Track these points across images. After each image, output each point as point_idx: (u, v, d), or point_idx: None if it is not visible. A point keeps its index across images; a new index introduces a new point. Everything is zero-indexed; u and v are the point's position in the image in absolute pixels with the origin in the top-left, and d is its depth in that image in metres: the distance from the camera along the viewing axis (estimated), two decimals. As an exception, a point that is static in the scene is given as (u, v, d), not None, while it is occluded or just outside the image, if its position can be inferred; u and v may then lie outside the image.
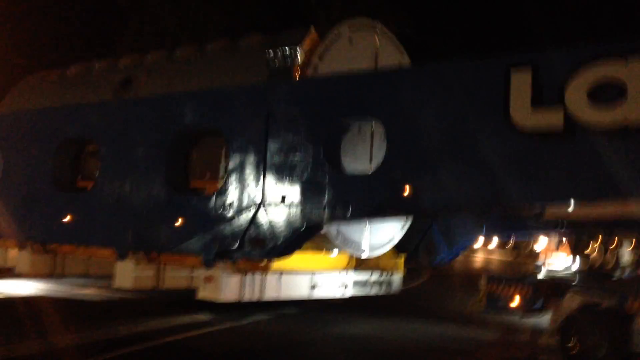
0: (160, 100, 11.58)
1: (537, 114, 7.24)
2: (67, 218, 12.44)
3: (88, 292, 14.06)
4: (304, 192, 9.31)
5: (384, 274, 13.57)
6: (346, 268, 13.37)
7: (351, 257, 13.41)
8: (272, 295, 11.05)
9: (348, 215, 8.85)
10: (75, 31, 26.82)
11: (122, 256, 11.50)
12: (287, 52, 10.60)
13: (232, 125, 10.30)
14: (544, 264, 14.37)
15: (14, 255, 14.23)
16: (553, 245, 14.54)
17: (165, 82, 12.70)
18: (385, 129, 8.64)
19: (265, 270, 10.75)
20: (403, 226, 12.67)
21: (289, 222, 9.44)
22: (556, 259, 14.40)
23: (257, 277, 10.73)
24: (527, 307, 9.91)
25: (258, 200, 9.77)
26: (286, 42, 10.79)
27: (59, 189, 12.91)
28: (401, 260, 13.57)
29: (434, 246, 13.43)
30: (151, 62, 13.56)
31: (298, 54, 10.57)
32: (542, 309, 9.95)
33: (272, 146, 9.72)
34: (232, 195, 10.14)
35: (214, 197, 10.41)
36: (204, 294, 10.36)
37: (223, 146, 11.41)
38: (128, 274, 11.47)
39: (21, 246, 13.35)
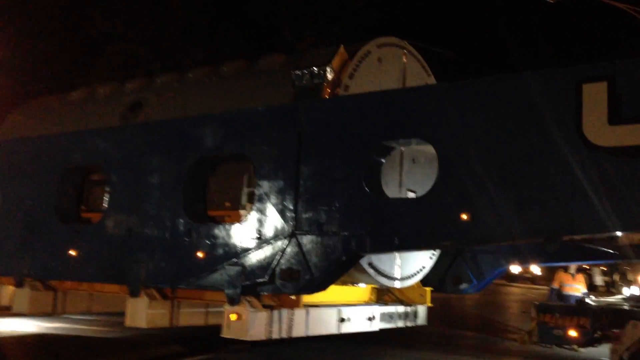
0: (177, 124, 10.82)
1: (614, 130, 6.61)
2: (71, 252, 11.53)
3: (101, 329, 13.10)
4: (342, 220, 8.54)
5: (410, 306, 12.82)
6: (371, 301, 12.63)
7: (375, 289, 12.70)
8: (301, 332, 10.19)
9: (395, 244, 8.09)
10: (48, 62, 26.46)
11: (134, 293, 10.59)
12: (316, 72, 9.93)
13: (259, 149, 9.55)
14: (561, 288, 13.77)
15: (10, 292, 13.25)
16: (570, 271, 13.92)
17: (178, 105, 11.96)
18: (437, 151, 7.94)
19: (294, 305, 9.90)
20: (432, 256, 12.01)
21: (326, 253, 8.65)
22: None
23: (285, 313, 9.89)
24: (586, 338, 9.20)
25: (290, 230, 8.97)
26: (314, 61, 10.13)
27: (62, 220, 12.00)
28: (427, 292, 12.80)
29: (462, 277, 12.73)
30: (161, 85, 12.83)
31: (328, 73, 9.91)
32: (600, 340, 9.26)
33: (305, 170, 8.97)
34: (259, 224, 9.35)
35: (239, 227, 9.60)
36: (229, 332, 9.48)
37: (245, 172, 10.66)
38: (141, 312, 10.56)
39: (19, 283, 12.37)
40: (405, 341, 13.67)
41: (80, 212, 12.58)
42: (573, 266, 13.81)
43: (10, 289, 13.17)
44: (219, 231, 9.79)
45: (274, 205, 9.24)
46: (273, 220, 9.21)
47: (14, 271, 12.26)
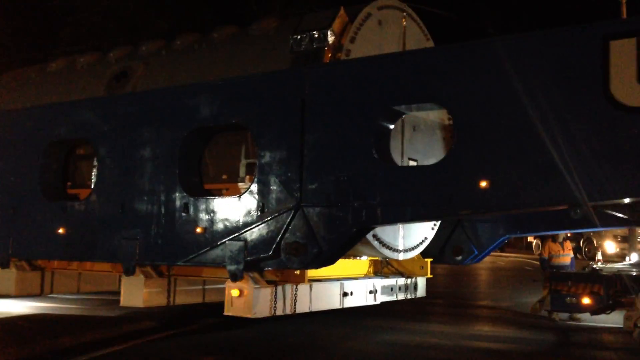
0: (169, 93, 10.24)
1: (644, 89, 6.28)
2: (59, 230, 10.99)
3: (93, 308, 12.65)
4: (351, 190, 8.13)
5: (410, 278, 12.57)
6: (370, 273, 12.35)
7: (373, 261, 12.42)
8: (305, 307, 9.85)
9: (409, 215, 7.73)
10: (6, 34, 25.48)
11: (128, 271, 10.12)
12: (317, 36, 9.44)
13: (259, 117, 9.06)
14: (550, 258, 13.65)
15: (-6, 274, 12.69)
16: (559, 240, 13.79)
17: (167, 74, 11.38)
18: (454, 115, 7.54)
19: (299, 280, 9.54)
20: (434, 227, 11.73)
21: (334, 225, 8.26)
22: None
23: (289, 288, 9.53)
24: (599, 305, 9.03)
25: (295, 201, 8.55)
26: (314, 24, 9.63)
27: (47, 197, 11.42)
28: (427, 263, 12.54)
29: (462, 247, 12.50)
30: (148, 53, 12.19)
31: (329, 37, 9.42)
32: (613, 307, 9.10)
33: (310, 139, 8.52)
34: (261, 196, 8.90)
35: (239, 201, 9.15)
36: (232, 310, 9.09)
37: (242, 143, 10.19)
38: (137, 291, 10.12)
39: (4, 264, 11.81)
40: (407, 314, 13.53)
41: (67, 189, 12.00)
42: (561, 235, 13.67)
43: (-6, 270, 12.62)
44: (218, 205, 9.32)
45: (277, 176, 8.79)
46: (277, 192, 8.77)
47: (-3, 251, 11.69)
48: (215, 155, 10.45)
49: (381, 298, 11.73)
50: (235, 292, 9.05)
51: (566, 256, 13.74)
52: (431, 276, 12.79)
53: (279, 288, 9.36)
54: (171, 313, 11.61)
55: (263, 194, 8.90)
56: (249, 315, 8.99)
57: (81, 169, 12.20)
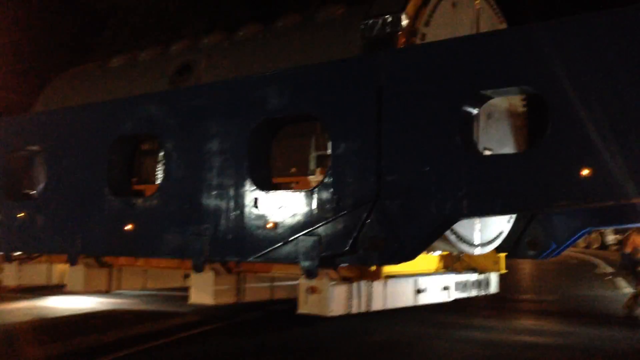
0: (236, 84, 9.96)
1: None
2: (126, 226, 10.87)
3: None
4: (435, 181, 7.68)
5: (483, 273, 12.03)
6: (440, 269, 11.88)
7: (443, 257, 11.92)
8: (379, 305, 9.46)
9: (498, 206, 7.23)
10: (54, 38, 25.79)
11: (198, 268, 9.91)
12: (390, 20, 9.00)
13: (331, 107, 8.68)
14: (635, 253, 12.85)
15: (62, 270, 12.74)
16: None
17: (231, 65, 11.13)
18: (548, 99, 6.99)
19: (375, 277, 9.15)
20: (510, 220, 11.16)
21: (416, 219, 7.82)
22: None
23: (364, 285, 9.15)
24: None
25: (373, 194, 8.14)
26: (386, 8, 9.19)
27: (114, 194, 11.32)
28: (501, 258, 11.98)
29: (539, 241, 11.87)
30: (209, 46, 11.98)
31: (402, 21, 8.96)
32: None
33: (388, 128, 8.10)
34: (336, 190, 8.52)
35: (312, 194, 8.80)
36: (307, 308, 8.76)
37: (312, 135, 9.84)
38: (207, 288, 9.89)
39: (72, 260, 11.78)
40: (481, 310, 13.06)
41: (132, 185, 11.90)
42: None
43: (62, 266, 12.66)
44: (290, 199, 8.99)
45: (352, 168, 8.40)
46: (352, 185, 8.38)
47: (66, 248, 11.66)
48: (284, 147, 10.12)
49: (455, 295, 11.25)
50: (309, 289, 8.72)
51: None
52: (505, 271, 12.24)
53: (354, 285, 8.99)
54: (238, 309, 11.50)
55: (338, 186, 8.52)
56: (325, 314, 8.65)
57: (146, 165, 12.08)
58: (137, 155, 12.05)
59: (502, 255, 11.88)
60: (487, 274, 12.14)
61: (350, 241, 8.28)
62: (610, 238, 36.43)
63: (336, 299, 8.70)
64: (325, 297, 8.60)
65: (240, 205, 9.48)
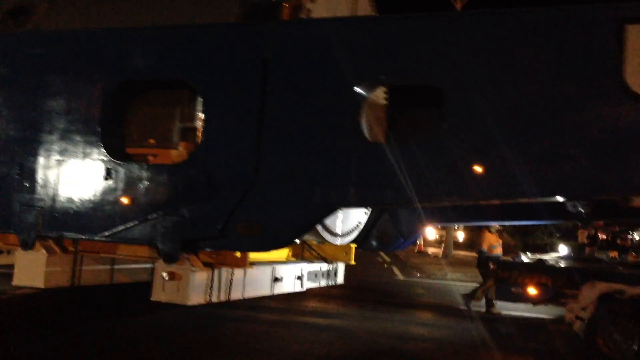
0: (94, 35, 8.59)
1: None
2: None
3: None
4: (320, 166, 7.20)
5: (332, 263, 11.87)
6: (289, 258, 11.50)
7: (296, 245, 11.55)
8: (238, 294, 8.78)
9: (388, 198, 6.91)
10: None
11: (26, 245, 8.42)
12: (275, -11, 8.31)
13: (208, 74, 7.79)
14: (489, 250, 13.63)
15: None
16: (492, 230, 13.78)
17: (82, 14, 9.62)
18: (447, 96, 6.80)
19: (239, 263, 8.44)
20: (366, 212, 11.10)
21: (297, 204, 7.28)
22: None
23: (225, 272, 8.41)
24: (546, 296, 8.93)
25: (250, 174, 7.44)
26: (272, -24, 8.48)
27: None
28: (352, 249, 11.92)
29: (387, 234, 12.00)
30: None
31: (289, -8, 8.34)
32: (554, 299, 9.07)
33: (273, 104, 7.44)
34: (208, 166, 7.67)
35: (180, 169, 7.86)
36: (163, 295, 7.81)
37: (177, 103, 8.82)
38: (37, 269, 8.44)
39: None
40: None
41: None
42: (495, 226, 13.65)
43: None
44: (150, 173, 7.95)
45: (227, 144, 7.61)
46: (227, 163, 7.59)
47: None
48: (141, 115, 8.96)
49: (307, 284, 10.92)
50: (167, 275, 7.77)
51: (499, 248, 13.76)
52: (354, 263, 12.20)
53: (216, 272, 8.22)
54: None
55: (209, 163, 7.67)
56: (184, 302, 7.78)
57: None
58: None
59: (353, 246, 11.80)
60: (335, 264, 12.01)
61: (221, 224, 7.50)
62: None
63: (197, 287, 7.86)
64: (185, 284, 7.73)
65: (87, 175, 8.19)
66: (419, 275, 22.19)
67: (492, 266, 9.96)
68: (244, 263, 8.41)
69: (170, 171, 7.89)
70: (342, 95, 7.17)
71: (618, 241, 17.78)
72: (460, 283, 18.48)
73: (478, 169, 6.56)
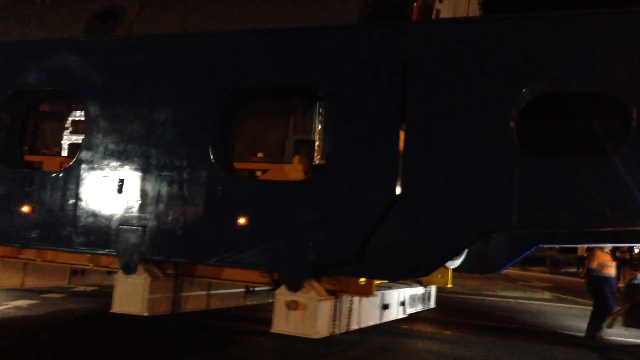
0: (201, 40, 7.91)
1: None
2: (22, 208, 8.29)
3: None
4: (475, 185, 6.38)
5: (426, 287, 11.07)
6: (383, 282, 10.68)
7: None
8: (354, 324, 7.97)
9: (562, 220, 6.05)
10: None
11: (129, 269, 7.68)
12: (403, -11, 7.56)
13: (336, 81, 7.04)
14: (599, 269, 12.78)
15: None
16: (606, 250, 12.97)
17: (177, 18, 8.95)
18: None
19: (365, 292, 7.62)
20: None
21: (445, 227, 6.45)
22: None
23: (347, 301, 7.62)
24: None
25: (389, 193, 6.63)
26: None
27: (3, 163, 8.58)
28: (449, 272, 11.08)
29: (487, 255, 11.19)
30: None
31: (418, -8, 7.58)
32: None
33: (416, 115, 6.65)
34: (337, 185, 6.88)
35: (304, 186, 7.09)
36: (287, 326, 7.01)
37: (291, 114, 8.05)
38: (138, 295, 7.69)
39: None
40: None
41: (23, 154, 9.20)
42: (609, 245, 12.79)
43: None
44: (271, 191, 7.19)
45: (361, 159, 6.82)
46: (360, 181, 6.79)
47: None
48: (244, 126, 8.21)
49: (408, 310, 10.12)
50: (289, 304, 6.98)
51: (613, 267, 12.91)
52: (451, 286, 11.36)
53: (338, 300, 7.42)
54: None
55: (339, 181, 6.88)
56: (311, 335, 6.97)
57: (45, 130, 9.41)
58: (32, 118, 9.35)
59: (450, 268, 10.95)
60: (429, 288, 11.20)
61: (356, 249, 6.69)
62: None
63: (323, 317, 7.06)
64: (312, 314, 6.93)
65: (197, 193, 7.45)
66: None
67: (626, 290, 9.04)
68: (369, 291, 7.58)
69: (294, 188, 7.11)
70: (502, 103, 6.35)
71: None
72: (545, 303, 17.75)
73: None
